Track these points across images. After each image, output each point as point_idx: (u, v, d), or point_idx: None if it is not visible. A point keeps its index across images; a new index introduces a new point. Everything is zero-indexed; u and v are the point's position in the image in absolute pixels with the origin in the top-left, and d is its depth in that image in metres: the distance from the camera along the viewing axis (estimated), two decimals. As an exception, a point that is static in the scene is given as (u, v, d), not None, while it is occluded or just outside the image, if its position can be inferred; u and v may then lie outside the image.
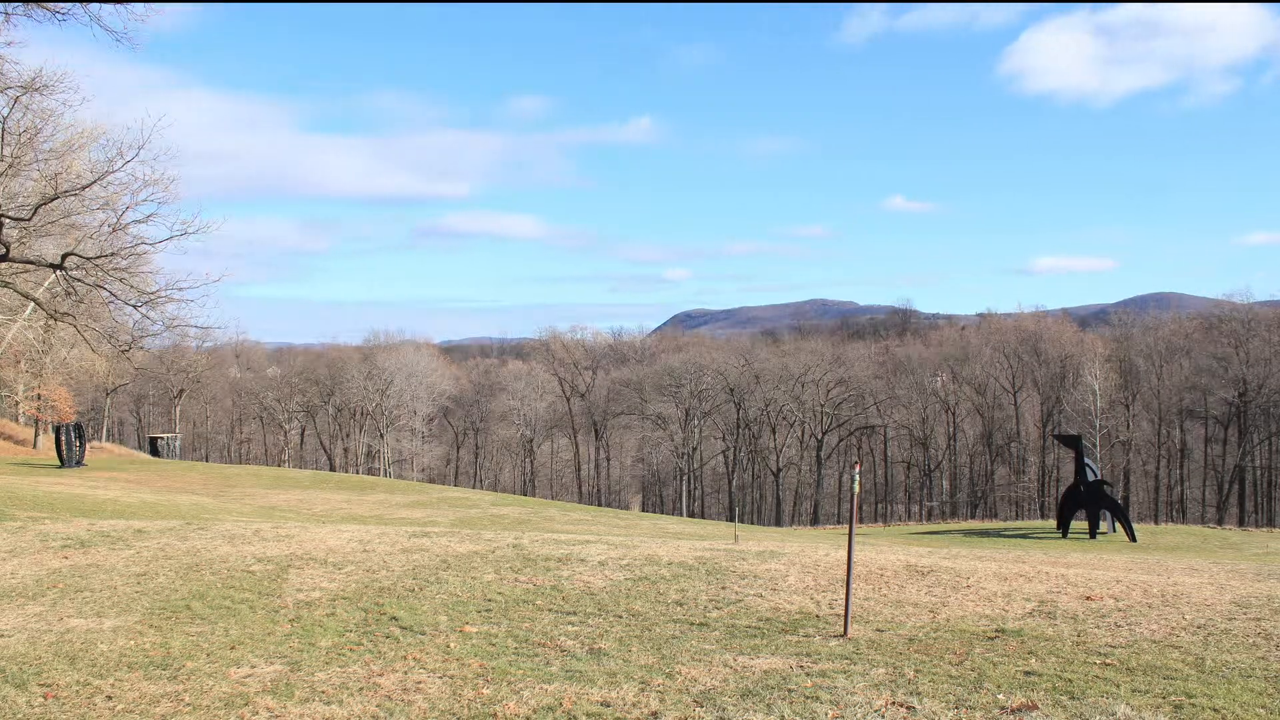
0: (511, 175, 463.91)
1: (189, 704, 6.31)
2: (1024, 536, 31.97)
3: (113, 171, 19.04)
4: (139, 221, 20.26)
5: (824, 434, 79.98)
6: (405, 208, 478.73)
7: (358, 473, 75.80)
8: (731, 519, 57.18)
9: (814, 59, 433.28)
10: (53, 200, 19.37)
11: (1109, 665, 6.92)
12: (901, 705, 6.02)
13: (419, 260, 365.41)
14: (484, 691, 6.45)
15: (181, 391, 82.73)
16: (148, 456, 56.41)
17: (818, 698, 6.19)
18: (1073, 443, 33.16)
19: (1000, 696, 6.17)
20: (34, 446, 51.54)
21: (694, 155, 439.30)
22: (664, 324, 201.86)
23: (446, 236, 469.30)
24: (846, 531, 8.23)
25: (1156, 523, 53.92)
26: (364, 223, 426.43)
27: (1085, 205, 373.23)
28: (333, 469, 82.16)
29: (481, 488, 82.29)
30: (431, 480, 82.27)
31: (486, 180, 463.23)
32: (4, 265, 19.23)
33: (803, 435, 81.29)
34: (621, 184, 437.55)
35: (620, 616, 8.72)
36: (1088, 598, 9.42)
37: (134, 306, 20.49)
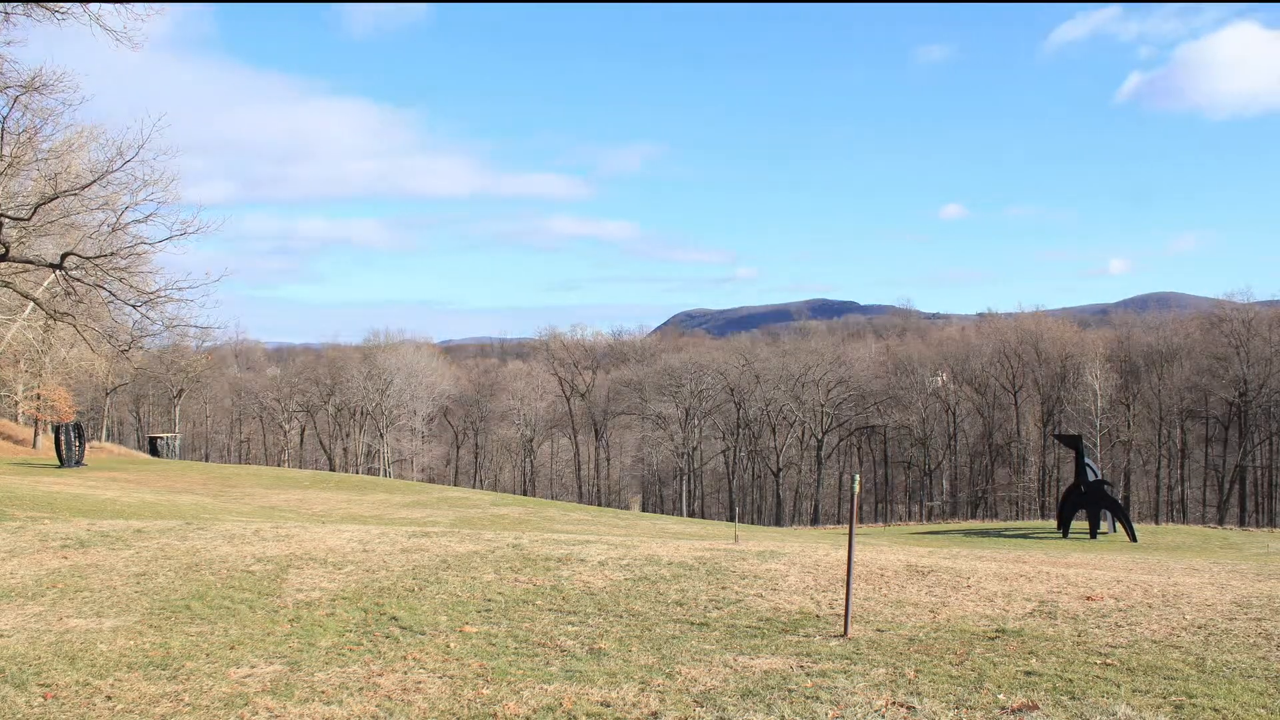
0: (642, 177, 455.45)
1: (189, 704, 6.30)
2: (1024, 536, 31.96)
3: (112, 171, 19.02)
4: (138, 221, 20.24)
5: (824, 434, 79.94)
6: (527, 206, 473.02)
7: (358, 473, 75.80)
8: (731, 519, 57.19)
9: (1011, 62, 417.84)
10: (52, 200, 19.35)
11: (1109, 665, 6.91)
12: (901, 705, 6.02)
13: (490, 261, 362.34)
14: (484, 691, 6.44)
15: (181, 391, 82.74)
16: (147, 456, 56.41)
17: (818, 698, 6.19)
18: (1073, 443, 33.15)
19: (1000, 696, 6.17)
20: (34, 446, 51.53)
21: (835, 161, 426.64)
22: (664, 324, 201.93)
23: (552, 238, 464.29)
24: (846, 531, 8.21)
25: (1157, 523, 53.90)
26: (478, 222, 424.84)
27: (1185, 210, 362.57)
28: (333, 469, 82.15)
29: (481, 488, 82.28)
30: (431, 480, 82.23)
31: (615, 185, 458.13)
32: (4, 265, 19.23)
33: (803, 435, 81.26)
34: (733, 187, 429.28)
35: (620, 616, 8.71)
36: (1088, 598, 9.41)
37: (134, 306, 20.47)
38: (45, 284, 22.74)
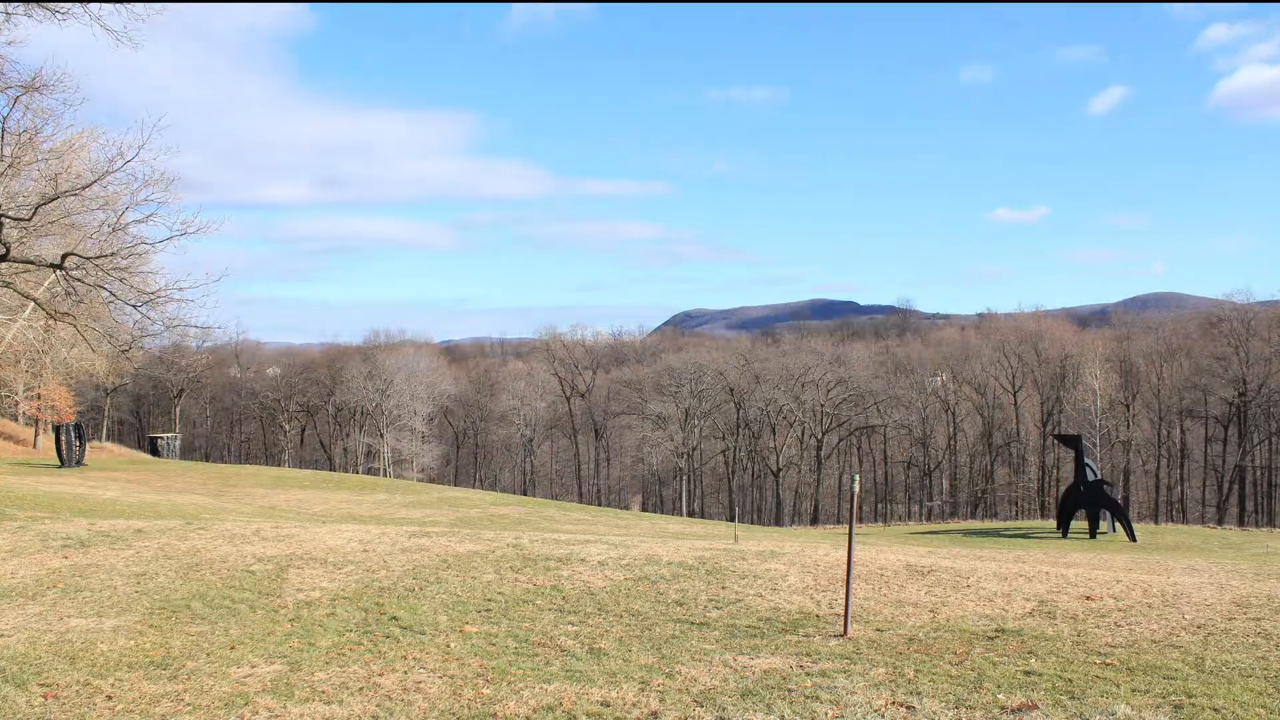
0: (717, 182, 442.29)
1: (189, 704, 6.31)
2: (1024, 536, 31.97)
3: (113, 171, 19.02)
4: (139, 221, 20.24)
5: (824, 434, 79.93)
6: (591, 209, 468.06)
7: (358, 473, 75.77)
8: (731, 519, 57.18)
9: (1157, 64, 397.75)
10: (53, 200, 19.33)
11: (1109, 665, 6.92)
12: (901, 705, 6.02)
13: (529, 262, 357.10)
14: (484, 691, 6.45)
15: (181, 391, 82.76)
16: (148, 456, 56.44)
17: (818, 697, 6.19)
18: (1073, 443, 33.17)
19: (1000, 696, 6.18)
20: (34, 446, 51.56)
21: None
22: (664, 324, 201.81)
23: (614, 242, 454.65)
24: (846, 531, 8.19)
25: (1156, 523, 53.92)
26: (540, 224, 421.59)
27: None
28: (333, 469, 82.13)
29: (481, 488, 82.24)
30: (431, 480, 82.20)
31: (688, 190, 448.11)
32: (4, 265, 19.22)
33: (803, 435, 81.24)
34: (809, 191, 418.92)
35: (620, 616, 8.72)
36: (1088, 597, 9.42)
37: (134, 306, 20.45)
38: (46, 284, 22.73)
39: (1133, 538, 29.40)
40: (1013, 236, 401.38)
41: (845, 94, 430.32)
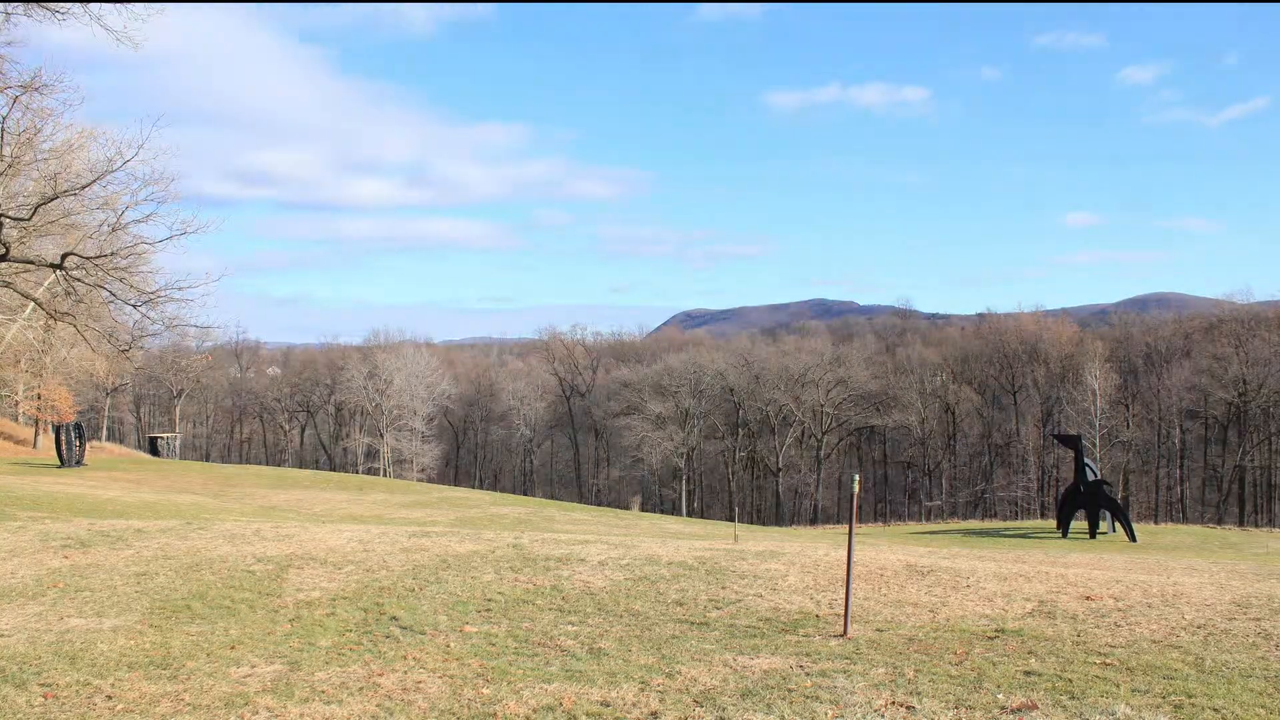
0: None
1: (189, 704, 6.31)
2: (1024, 536, 31.98)
3: (112, 171, 19.03)
4: (138, 221, 20.28)
5: (824, 434, 79.93)
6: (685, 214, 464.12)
7: (358, 473, 75.75)
8: (732, 519, 57.15)
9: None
10: (52, 200, 19.34)
11: (1109, 665, 6.92)
12: (901, 705, 6.03)
13: (565, 264, 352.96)
14: (484, 691, 6.45)
15: (181, 391, 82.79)
16: (148, 456, 56.44)
17: (817, 697, 6.20)
18: (1072, 443, 33.18)
19: (1000, 696, 6.18)
20: (34, 446, 51.56)
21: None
22: (664, 324, 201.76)
23: (663, 243, 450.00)
24: (846, 531, 8.18)
25: (1156, 523, 53.88)
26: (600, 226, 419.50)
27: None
28: (333, 469, 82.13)
29: (481, 488, 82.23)
30: (431, 480, 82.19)
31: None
32: (4, 265, 19.22)
33: (802, 435, 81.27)
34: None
35: (620, 616, 8.72)
36: (1088, 598, 9.42)
37: (134, 306, 20.46)
38: (46, 284, 22.72)
39: (1133, 538, 29.40)
40: (1076, 239, 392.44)
41: (993, 94, 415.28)
